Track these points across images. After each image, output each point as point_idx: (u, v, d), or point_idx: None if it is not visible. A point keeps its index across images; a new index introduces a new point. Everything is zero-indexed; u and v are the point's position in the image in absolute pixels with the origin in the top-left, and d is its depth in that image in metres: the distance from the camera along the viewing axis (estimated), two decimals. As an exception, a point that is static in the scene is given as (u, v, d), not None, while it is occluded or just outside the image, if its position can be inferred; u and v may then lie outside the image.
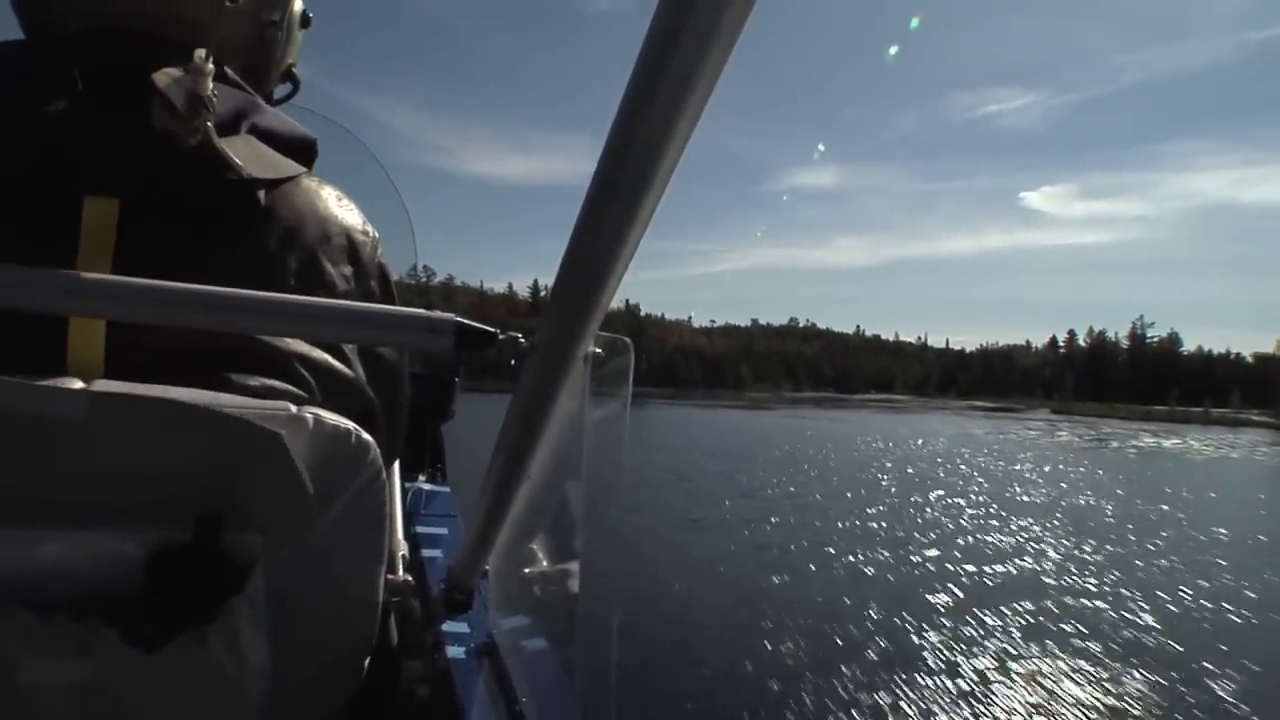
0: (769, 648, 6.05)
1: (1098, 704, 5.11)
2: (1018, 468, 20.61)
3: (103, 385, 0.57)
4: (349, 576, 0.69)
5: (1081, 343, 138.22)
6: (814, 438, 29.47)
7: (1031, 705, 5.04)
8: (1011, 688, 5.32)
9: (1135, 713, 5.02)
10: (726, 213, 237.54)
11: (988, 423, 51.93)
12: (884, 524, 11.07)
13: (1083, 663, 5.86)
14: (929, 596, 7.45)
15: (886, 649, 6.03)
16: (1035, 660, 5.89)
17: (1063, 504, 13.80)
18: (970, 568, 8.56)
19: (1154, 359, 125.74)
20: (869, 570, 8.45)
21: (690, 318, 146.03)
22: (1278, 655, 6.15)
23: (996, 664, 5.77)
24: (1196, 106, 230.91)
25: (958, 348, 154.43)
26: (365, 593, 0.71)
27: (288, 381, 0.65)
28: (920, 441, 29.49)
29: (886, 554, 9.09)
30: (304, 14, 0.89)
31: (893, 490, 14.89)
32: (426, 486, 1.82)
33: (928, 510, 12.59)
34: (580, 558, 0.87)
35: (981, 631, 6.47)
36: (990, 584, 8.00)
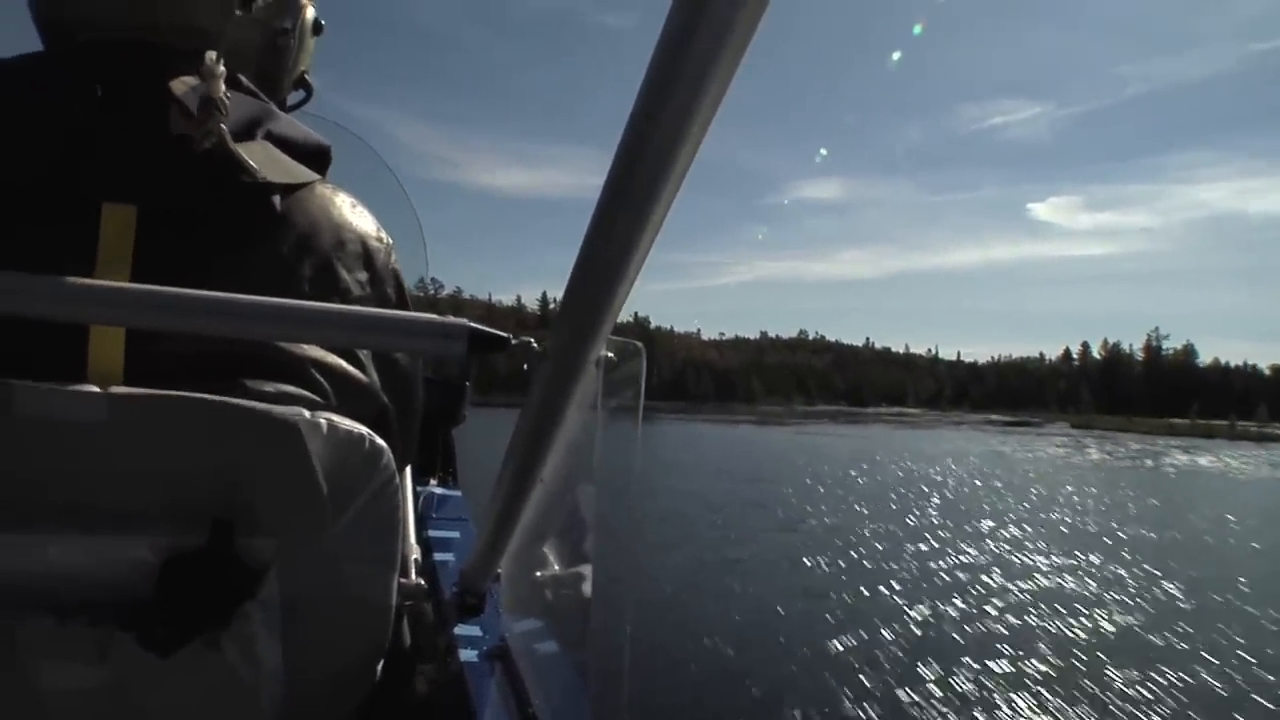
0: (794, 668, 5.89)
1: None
2: (1064, 493, 19.00)
3: (120, 390, 0.58)
4: (362, 580, 0.69)
5: (1096, 355, 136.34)
6: (837, 456, 27.76)
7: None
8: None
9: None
10: (731, 225, 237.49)
11: (1010, 438, 49.87)
12: (943, 565, 9.80)
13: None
14: (1012, 661, 6.21)
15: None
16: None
17: (1128, 537, 12.44)
18: (1058, 624, 7.34)
19: (1170, 371, 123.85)
20: (933, 621, 7.27)
21: (699, 330, 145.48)
22: None
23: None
24: (1201, 118, 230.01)
25: (969, 360, 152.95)
26: (378, 597, 0.71)
27: (304, 387, 0.65)
28: (950, 462, 27.57)
29: (954, 604, 7.91)
30: (316, 21, 0.90)
31: (940, 520, 13.42)
32: (438, 490, 1.82)
33: (988, 546, 11.11)
34: (593, 561, 0.86)
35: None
36: (1088, 645, 6.80)
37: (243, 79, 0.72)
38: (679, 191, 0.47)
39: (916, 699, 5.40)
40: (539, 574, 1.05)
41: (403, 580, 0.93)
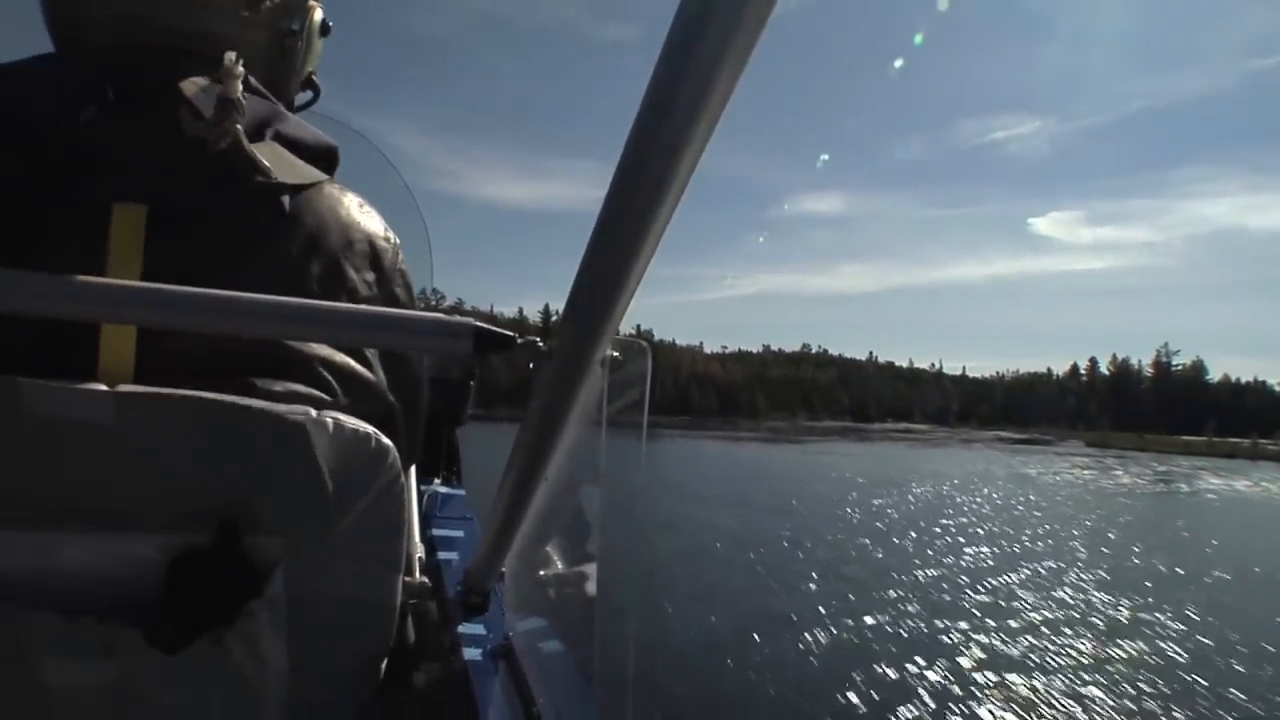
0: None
1: None
2: (1111, 524, 17.31)
3: (127, 389, 0.58)
4: (367, 579, 0.70)
5: (1104, 370, 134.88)
6: (856, 479, 25.41)
7: None
8: None
9: None
10: (732, 238, 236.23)
11: (1029, 458, 47.45)
12: (1015, 619, 8.29)
13: None
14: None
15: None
16: None
17: (1209, 580, 10.98)
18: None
19: (1180, 388, 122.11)
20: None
21: (701, 343, 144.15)
22: None
23: None
24: (1202, 134, 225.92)
25: (974, 375, 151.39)
26: (383, 595, 0.72)
27: (312, 385, 0.66)
28: (977, 485, 25.59)
29: (1044, 677, 6.37)
30: (324, 23, 0.90)
31: (996, 562, 11.77)
32: (442, 489, 1.82)
33: (1061, 596, 9.64)
34: (598, 560, 0.87)
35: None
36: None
37: (251, 80, 0.72)
38: (685, 189, 0.47)
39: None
40: (543, 572, 1.05)
41: (407, 579, 0.92)
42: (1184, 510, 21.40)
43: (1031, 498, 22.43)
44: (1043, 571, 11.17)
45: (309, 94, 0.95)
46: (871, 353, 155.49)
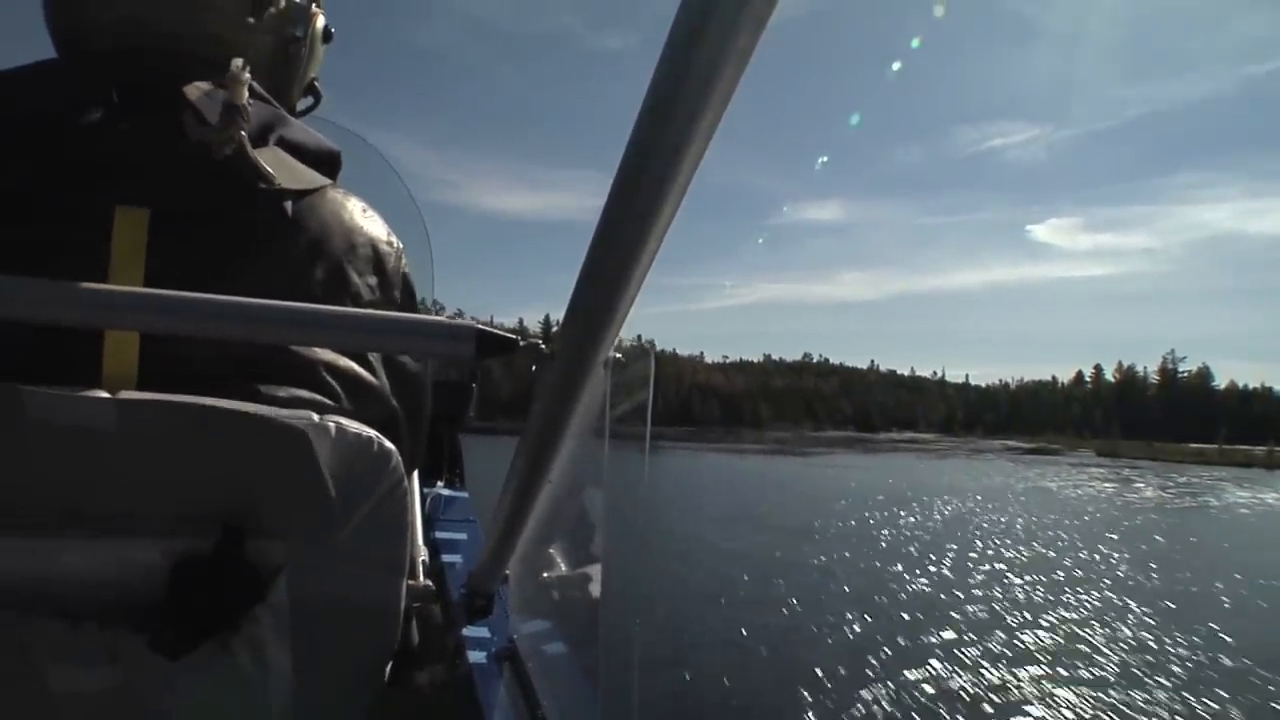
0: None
1: None
2: (1151, 546, 16.10)
3: (129, 395, 0.58)
4: (371, 583, 0.70)
5: (1109, 378, 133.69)
6: (871, 494, 24.16)
7: None
8: None
9: None
10: (732, 247, 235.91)
11: (1044, 469, 45.26)
12: (1091, 674, 7.14)
13: None
14: None
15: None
16: None
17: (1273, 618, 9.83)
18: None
19: (1187, 395, 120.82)
20: None
21: (702, 353, 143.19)
22: None
23: None
24: (1199, 139, 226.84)
25: (978, 383, 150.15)
26: (386, 599, 0.72)
27: (315, 390, 0.66)
28: (998, 502, 24.63)
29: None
30: (326, 29, 0.90)
31: (1043, 594, 10.69)
32: (445, 492, 1.82)
33: (1127, 637, 8.47)
34: (602, 562, 0.87)
35: None
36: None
37: (255, 85, 0.71)
38: (687, 189, 0.46)
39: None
40: (547, 575, 1.05)
41: (411, 582, 0.91)
42: (1222, 528, 19.98)
43: (1060, 516, 21.10)
44: (1099, 605, 10.09)
45: (310, 99, 0.95)
46: (873, 361, 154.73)
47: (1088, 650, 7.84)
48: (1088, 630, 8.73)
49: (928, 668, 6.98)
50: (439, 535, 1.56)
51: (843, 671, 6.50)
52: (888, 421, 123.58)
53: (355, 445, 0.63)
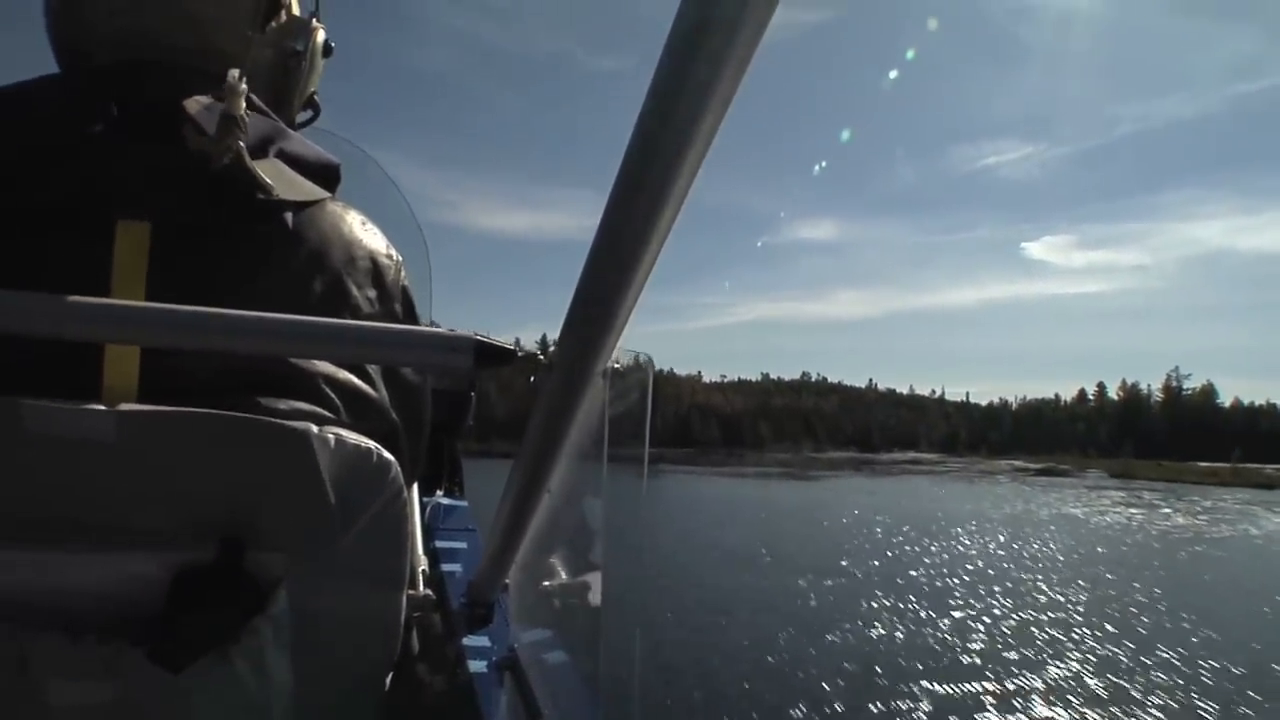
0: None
1: None
2: (1209, 585, 14.84)
3: (128, 407, 0.58)
4: (371, 594, 0.70)
5: (1112, 395, 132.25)
6: (895, 526, 22.32)
7: None
8: None
9: None
10: (727, 266, 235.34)
11: (1062, 493, 43.34)
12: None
13: None
14: None
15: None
16: None
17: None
18: None
19: (1192, 413, 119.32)
20: None
21: (700, 373, 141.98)
22: None
23: None
24: (1191, 157, 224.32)
25: (977, 401, 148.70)
26: (387, 609, 0.72)
27: (315, 403, 0.66)
28: (1028, 530, 23.20)
29: None
30: (326, 43, 0.90)
31: (1110, 652, 9.22)
32: (444, 501, 1.81)
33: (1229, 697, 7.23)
34: (601, 570, 0.87)
35: None
36: None
37: (254, 98, 0.72)
38: (685, 198, 0.46)
39: None
40: (547, 583, 1.04)
41: (410, 592, 0.91)
42: (1273, 561, 18.63)
43: (1098, 549, 19.55)
44: (1175, 662, 8.96)
45: (310, 112, 0.95)
46: (871, 380, 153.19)
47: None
48: (1183, 695, 7.67)
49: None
50: (439, 544, 1.55)
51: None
52: (889, 441, 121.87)
53: (355, 456, 0.64)
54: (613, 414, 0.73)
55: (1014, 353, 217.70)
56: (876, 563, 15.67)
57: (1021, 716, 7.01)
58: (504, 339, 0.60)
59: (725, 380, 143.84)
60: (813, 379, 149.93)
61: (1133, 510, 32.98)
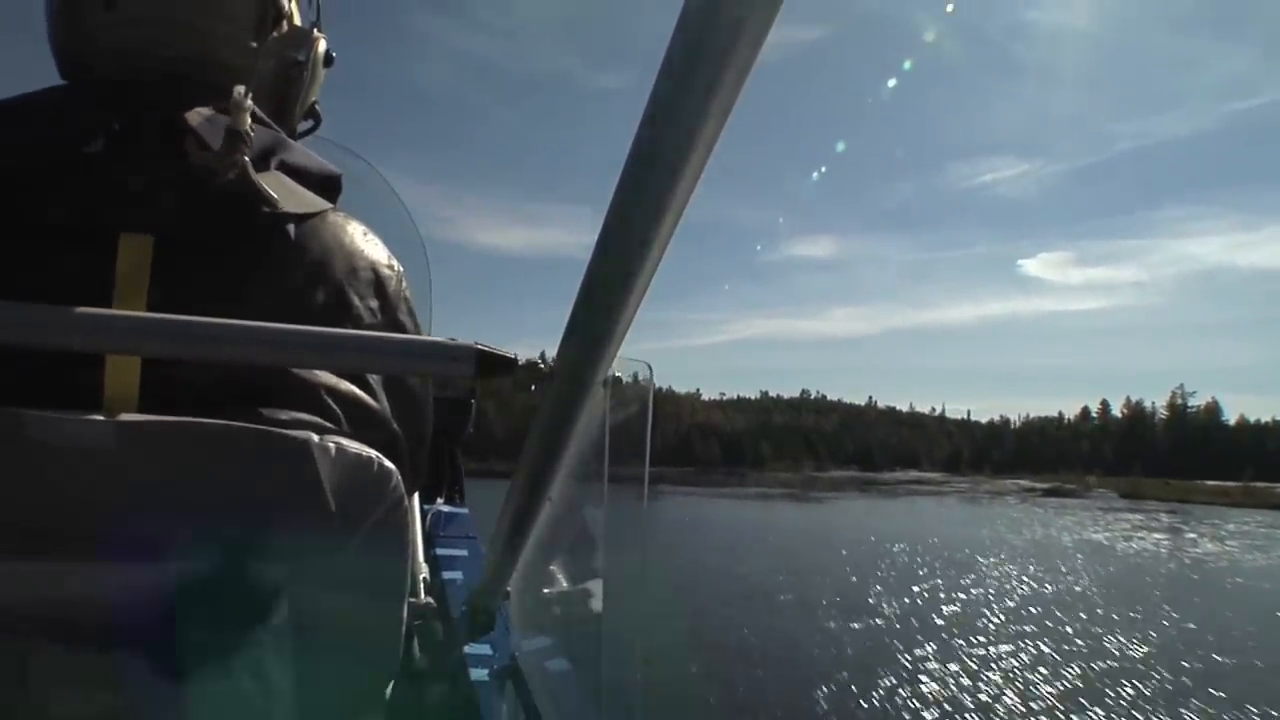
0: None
1: None
2: (1271, 624, 13.69)
3: (129, 417, 0.58)
4: (372, 602, 0.69)
5: (1116, 413, 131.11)
6: (917, 554, 20.75)
7: None
8: None
9: None
10: (724, 282, 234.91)
11: (1078, 515, 41.40)
12: None
13: None
14: None
15: None
16: None
17: None
18: None
19: (1198, 431, 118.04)
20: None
21: (698, 390, 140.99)
22: None
23: None
24: (1187, 174, 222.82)
25: (978, 419, 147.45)
26: (388, 618, 0.72)
27: (316, 413, 0.66)
28: (1054, 558, 22.21)
29: None
30: (327, 53, 0.91)
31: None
32: (445, 509, 1.81)
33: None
34: (603, 578, 0.87)
35: None
36: None
37: (256, 110, 0.72)
38: (686, 206, 0.46)
39: None
40: (548, 591, 1.04)
41: (412, 600, 0.91)
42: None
43: (1135, 580, 18.22)
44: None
45: (310, 122, 0.95)
46: (871, 397, 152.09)
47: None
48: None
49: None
50: (439, 552, 1.55)
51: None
52: (890, 459, 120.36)
53: (356, 465, 0.64)
54: (613, 422, 0.74)
55: (1013, 370, 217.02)
56: (908, 600, 14.40)
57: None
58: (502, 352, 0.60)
59: (724, 398, 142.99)
60: (812, 396, 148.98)
61: (1155, 535, 31.43)
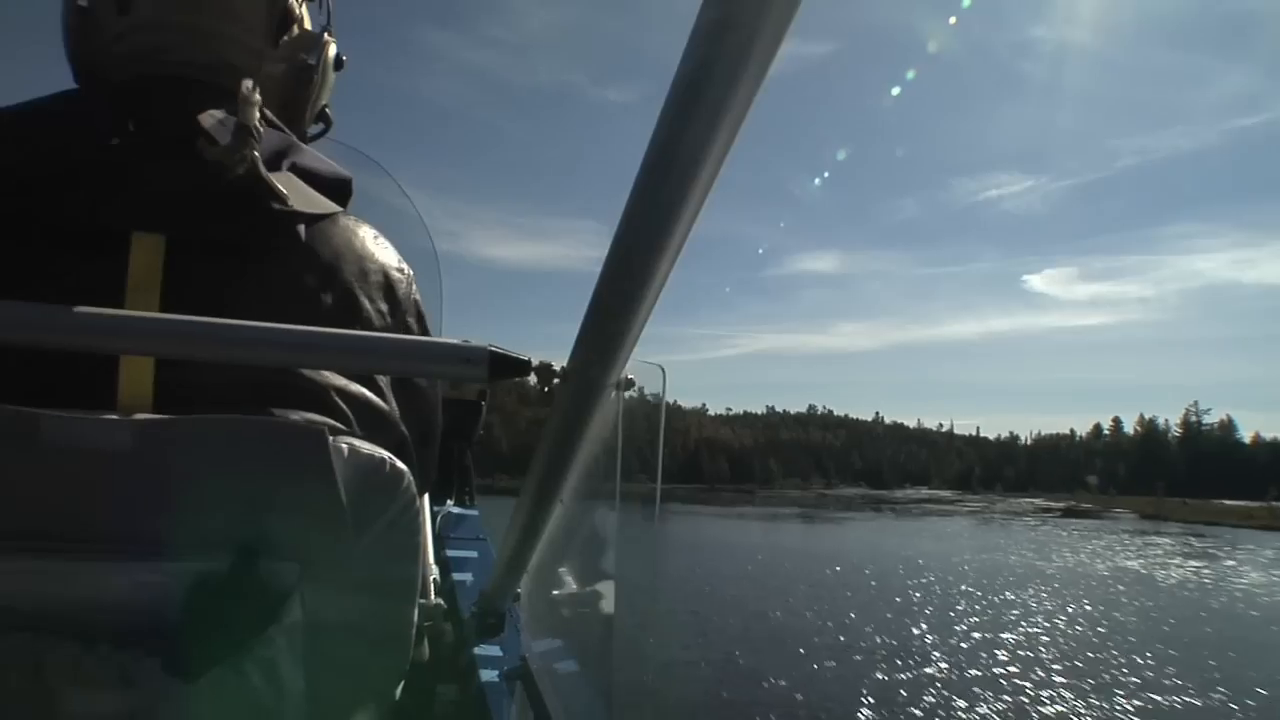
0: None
1: None
2: None
3: (143, 417, 0.58)
4: (383, 603, 0.70)
5: (1128, 430, 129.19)
6: (952, 585, 19.56)
7: None
8: None
9: None
10: (730, 297, 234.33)
11: (1106, 540, 38.97)
12: None
13: None
14: None
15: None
16: None
17: None
18: None
19: (1212, 448, 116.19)
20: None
21: (705, 405, 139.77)
22: None
23: None
24: (1191, 190, 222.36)
25: (988, 435, 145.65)
26: (399, 618, 0.72)
27: (327, 414, 0.66)
28: (1096, 589, 20.99)
29: None
30: (338, 57, 0.91)
31: None
32: (455, 510, 1.81)
33: None
34: (614, 580, 0.86)
35: None
36: None
37: (267, 112, 0.72)
38: (700, 211, 0.46)
39: None
40: (559, 593, 1.03)
41: (422, 601, 0.90)
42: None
43: (1187, 616, 16.88)
44: None
45: (321, 125, 0.96)
46: (878, 413, 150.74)
47: None
48: None
49: None
50: (450, 553, 1.54)
51: None
52: (900, 477, 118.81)
53: (368, 466, 0.64)
54: (626, 424, 0.73)
55: (1019, 385, 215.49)
56: (953, 640, 13.17)
57: None
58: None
59: (731, 413, 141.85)
60: (819, 412, 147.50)
61: (1193, 562, 29.71)
